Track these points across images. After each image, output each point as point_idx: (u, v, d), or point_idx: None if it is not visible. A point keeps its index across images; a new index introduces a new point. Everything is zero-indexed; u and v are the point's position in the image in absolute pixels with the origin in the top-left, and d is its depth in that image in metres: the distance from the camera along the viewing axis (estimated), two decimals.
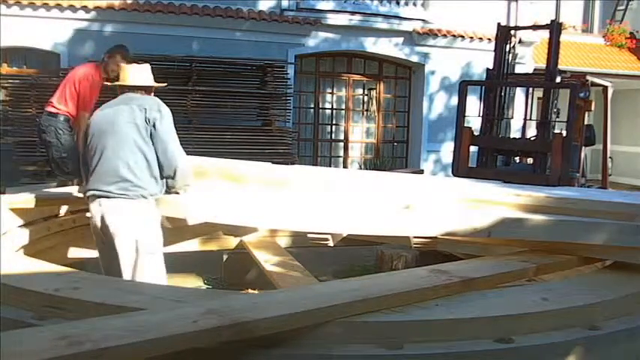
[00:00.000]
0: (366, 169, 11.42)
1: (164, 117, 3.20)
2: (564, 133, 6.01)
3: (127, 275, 3.11)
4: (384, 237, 4.07)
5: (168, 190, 3.33)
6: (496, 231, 3.06)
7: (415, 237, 3.30)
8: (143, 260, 3.11)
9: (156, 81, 3.48)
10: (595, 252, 3.02)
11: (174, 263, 4.75)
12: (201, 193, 3.58)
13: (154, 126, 3.16)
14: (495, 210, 3.22)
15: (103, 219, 3.17)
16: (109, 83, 3.62)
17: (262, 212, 3.40)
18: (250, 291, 4.09)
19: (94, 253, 3.74)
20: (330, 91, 11.85)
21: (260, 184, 3.89)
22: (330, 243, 3.65)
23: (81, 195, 3.76)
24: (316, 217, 3.28)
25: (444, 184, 4.19)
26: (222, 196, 3.65)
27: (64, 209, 4.10)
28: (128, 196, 3.13)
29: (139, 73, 3.39)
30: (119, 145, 3.14)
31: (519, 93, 8.09)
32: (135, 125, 3.15)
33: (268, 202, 3.49)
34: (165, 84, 3.74)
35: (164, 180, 3.28)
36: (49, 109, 4.66)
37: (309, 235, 3.96)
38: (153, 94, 3.47)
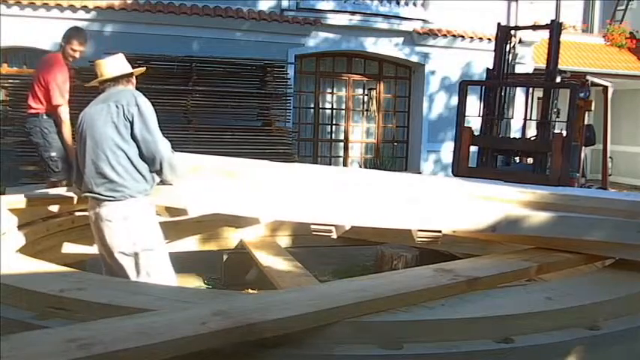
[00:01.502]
0: (366, 169, 11.43)
1: (142, 111, 3.10)
2: (564, 133, 6.02)
3: (132, 277, 3.11)
4: (386, 232, 4.05)
5: (162, 182, 3.29)
6: (501, 227, 3.05)
7: (419, 230, 3.28)
8: (143, 258, 3.11)
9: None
10: (598, 249, 3.02)
11: (174, 263, 4.76)
12: (202, 184, 3.55)
13: (132, 122, 3.07)
14: (500, 206, 3.23)
15: (97, 223, 3.16)
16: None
17: (265, 203, 3.38)
18: (250, 291, 4.10)
19: (93, 253, 3.75)
20: (330, 91, 11.85)
21: (258, 180, 3.84)
22: (334, 235, 3.64)
23: (72, 194, 3.72)
24: (320, 208, 3.26)
25: (448, 182, 4.19)
26: (223, 187, 3.62)
27: (62, 209, 4.10)
28: (116, 198, 3.08)
29: (113, 65, 3.31)
30: (99, 147, 3.09)
31: (519, 93, 8.10)
32: (112, 124, 3.08)
33: (271, 193, 3.46)
34: (144, 68, 3.65)
35: (153, 175, 3.22)
36: (29, 110, 4.62)
37: (312, 227, 3.95)
38: (134, 80, 3.40)
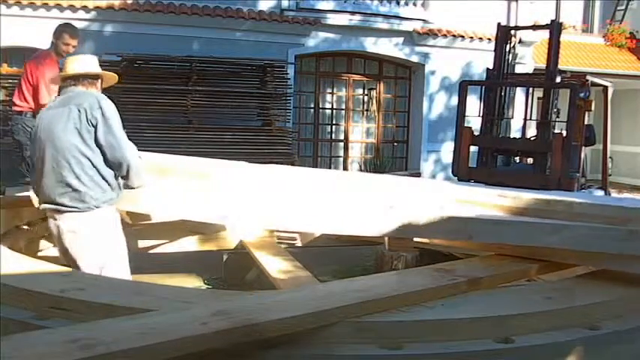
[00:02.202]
0: (366, 169, 11.43)
1: (107, 115, 2.88)
2: (564, 133, 6.02)
3: None
4: (361, 237, 3.89)
5: (126, 187, 3.09)
6: (478, 234, 2.85)
7: (391, 239, 3.13)
8: (108, 270, 2.92)
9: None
10: (580, 258, 2.80)
11: (175, 263, 4.77)
12: (167, 188, 3.42)
13: (96, 126, 2.86)
14: (478, 212, 3.04)
15: (60, 236, 2.97)
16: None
17: (231, 209, 3.21)
18: (250, 291, 4.09)
19: None
20: (330, 91, 11.85)
21: (230, 183, 3.68)
22: (298, 243, 3.57)
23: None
24: (288, 215, 3.11)
25: (424, 185, 3.96)
26: (189, 191, 3.45)
27: None
28: (81, 209, 2.88)
29: (79, 62, 3.07)
30: (60, 154, 2.86)
31: (519, 93, 8.10)
32: (75, 130, 2.86)
33: (237, 199, 3.29)
34: (116, 77, 3.32)
35: (119, 182, 3.03)
36: (14, 107, 4.54)
37: (276, 234, 3.88)
38: (100, 84, 3.14)
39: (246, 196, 3.35)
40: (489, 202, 3.14)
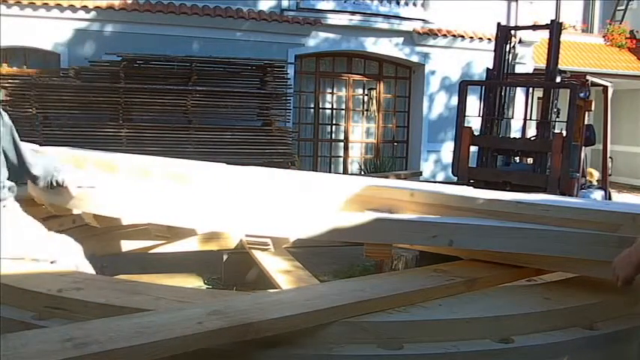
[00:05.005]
0: (366, 169, 11.43)
1: None
2: (564, 133, 6.02)
3: None
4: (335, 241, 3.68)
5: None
6: (458, 240, 2.67)
7: (367, 245, 2.90)
8: None
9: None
10: (569, 266, 2.68)
11: (175, 263, 4.77)
12: (140, 190, 3.34)
13: None
14: (459, 217, 2.88)
15: None
16: None
17: (204, 213, 3.07)
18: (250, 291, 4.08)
19: (93, 253, 3.74)
20: (330, 91, 11.85)
21: (209, 185, 3.56)
22: (272, 248, 3.51)
23: None
24: (259, 219, 2.95)
25: (400, 187, 3.64)
26: (161, 194, 3.32)
27: (63, 209, 4.08)
28: None
29: None
30: None
31: (519, 93, 8.10)
32: None
33: (211, 203, 3.14)
34: None
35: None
36: None
37: (246, 239, 3.83)
38: None
39: (218, 200, 3.20)
40: (470, 206, 2.95)
